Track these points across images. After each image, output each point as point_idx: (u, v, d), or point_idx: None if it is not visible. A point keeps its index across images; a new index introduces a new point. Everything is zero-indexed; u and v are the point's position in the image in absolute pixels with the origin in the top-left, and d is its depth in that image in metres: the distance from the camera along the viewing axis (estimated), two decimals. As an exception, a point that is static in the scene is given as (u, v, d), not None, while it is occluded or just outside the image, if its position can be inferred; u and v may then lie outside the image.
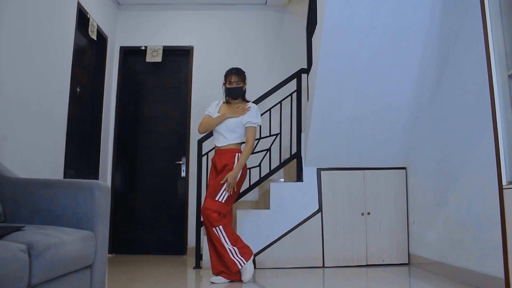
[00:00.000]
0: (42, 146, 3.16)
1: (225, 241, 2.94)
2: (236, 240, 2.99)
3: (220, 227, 2.95)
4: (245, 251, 2.98)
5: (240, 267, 2.93)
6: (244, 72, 3.25)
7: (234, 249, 2.95)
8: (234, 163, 3.05)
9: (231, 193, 3.02)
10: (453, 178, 2.98)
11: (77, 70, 3.84)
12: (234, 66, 3.32)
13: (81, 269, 1.90)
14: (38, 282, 1.50)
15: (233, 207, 3.93)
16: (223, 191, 3.00)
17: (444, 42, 3.05)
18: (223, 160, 3.09)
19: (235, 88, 3.16)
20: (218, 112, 3.18)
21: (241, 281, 2.98)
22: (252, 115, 3.12)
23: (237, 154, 3.09)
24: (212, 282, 2.94)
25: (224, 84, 3.22)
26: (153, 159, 4.71)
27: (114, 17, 4.72)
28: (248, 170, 3.86)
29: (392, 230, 3.70)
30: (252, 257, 3.02)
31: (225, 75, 3.23)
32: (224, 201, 3.00)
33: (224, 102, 3.25)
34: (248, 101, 3.24)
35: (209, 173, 3.25)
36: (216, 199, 2.98)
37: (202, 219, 3.10)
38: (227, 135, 3.13)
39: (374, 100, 3.38)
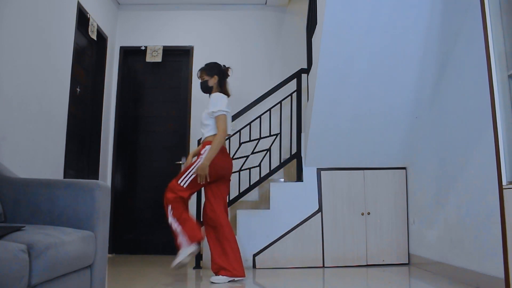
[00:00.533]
0: (42, 146, 3.16)
1: (173, 220, 2.96)
2: (185, 221, 2.97)
3: (169, 206, 2.96)
4: (189, 232, 2.95)
5: (181, 246, 2.94)
6: (208, 66, 3.26)
7: (178, 229, 2.95)
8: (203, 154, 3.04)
9: (202, 183, 3.01)
10: (453, 178, 2.98)
11: (77, 70, 3.84)
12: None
13: (81, 269, 1.90)
14: (38, 282, 1.50)
15: (233, 207, 3.96)
16: (187, 175, 3.00)
17: (444, 42, 3.05)
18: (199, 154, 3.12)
19: (201, 84, 3.26)
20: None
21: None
22: (212, 104, 3.09)
23: (207, 146, 3.06)
24: (212, 282, 2.94)
25: None
26: (153, 159, 4.71)
27: (114, 17, 4.72)
28: (250, 172, 3.87)
29: (392, 230, 3.70)
30: (194, 246, 2.94)
31: None
32: (186, 186, 2.99)
33: None
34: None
35: None
36: (179, 182, 3.00)
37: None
38: (202, 130, 3.18)
39: (374, 100, 3.38)
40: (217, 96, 3.12)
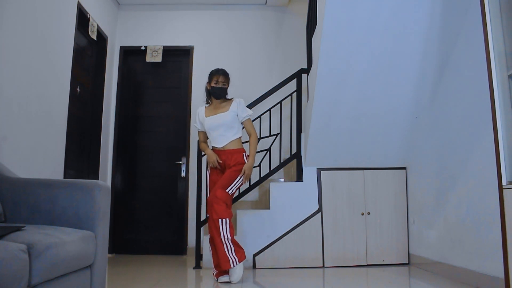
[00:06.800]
0: (42, 146, 3.16)
1: (225, 235, 2.92)
2: (233, 239, 2.98)
3: (227, 220, 2.93)
4: (239, 250, 2.97)
5: (232, 266, 2.90)
6: (228, 74, 3.29)
7: (231, 246, 2.92)
8: (243, 158, 3.15)
9: (245, 183, 3.13)
10: (453, 178, 2.98)
11: (77, 70, 3.84)
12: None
13: (81, 269, 1.90)
14: (38, 282, 1.50)
15: (233, 207, 3.96)
16: (236, 182, 3.07)
17: (444, 42, 3.05)
18: (233, 159, 3.13)
19: (221, 88, 3.20)
20: (205, 116, 3.21)
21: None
22: (244, 109, 3.21)
23: (244, 153, 3.18)
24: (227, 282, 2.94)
25: (209, 83, 3.24)
26: (153, 159, 4.71)
27: (114, 17, 4.72)
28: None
29: (392, 230, 3.70)
30: (243, 261, 2.98)
31: (211, 75, 3.25)
32: (231, 193, 3.08)
33: (207, 105, 3.29)
34: (230, 99, 3.27)
35: (210, 171, 3.24)
36: (227, 190, 3.02)
37: (209, 210, 2.99)
38: (226, 133, 3.17)
39: (374, 100, 3.38)
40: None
